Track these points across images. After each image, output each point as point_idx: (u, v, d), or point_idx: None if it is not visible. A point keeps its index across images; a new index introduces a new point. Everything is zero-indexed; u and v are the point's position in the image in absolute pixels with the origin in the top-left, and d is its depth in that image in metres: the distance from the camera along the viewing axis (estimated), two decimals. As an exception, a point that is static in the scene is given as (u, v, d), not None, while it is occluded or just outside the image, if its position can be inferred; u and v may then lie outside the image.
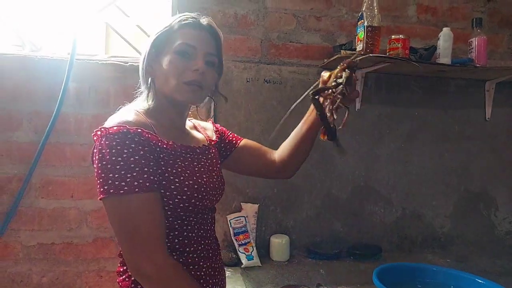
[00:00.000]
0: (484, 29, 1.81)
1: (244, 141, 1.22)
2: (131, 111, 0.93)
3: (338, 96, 0.90)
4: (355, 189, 1.91)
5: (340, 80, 0.92)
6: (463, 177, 2.01)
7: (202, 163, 1.01)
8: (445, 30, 1.76)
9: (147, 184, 0.84)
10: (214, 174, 1.04)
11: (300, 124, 1.14)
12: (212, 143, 1.12)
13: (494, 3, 2.04)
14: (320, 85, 0.96)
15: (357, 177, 1.91)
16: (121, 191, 0.81)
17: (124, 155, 0.83)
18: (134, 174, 0.83)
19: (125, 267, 0.94)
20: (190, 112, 1.12)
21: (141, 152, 0.85)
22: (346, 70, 0.93)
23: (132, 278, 0.91)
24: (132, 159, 0.84)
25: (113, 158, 0.83)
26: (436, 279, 1.38)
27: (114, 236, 0.98)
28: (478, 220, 2.03)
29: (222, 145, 1.19)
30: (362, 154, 1.91)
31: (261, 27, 1.84)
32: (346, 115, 0.92)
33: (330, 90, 0.92)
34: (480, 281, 1.29)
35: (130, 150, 0.84)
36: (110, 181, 0.82)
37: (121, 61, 1.68)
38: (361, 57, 0.94)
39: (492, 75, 1.93)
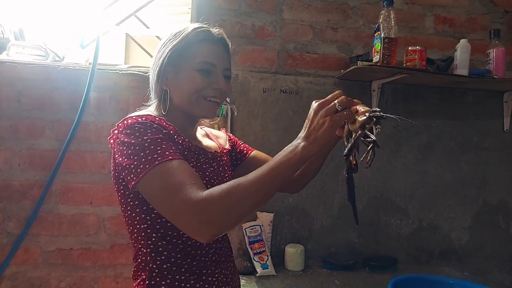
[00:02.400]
0: (502, 40, 1.80)
1: (254, 152, 1.23)
2: (147, 112, 0.97)
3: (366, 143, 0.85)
4: (371, 200, 1.90)
5: (370, 138, 0.84)
6: (481, 189, 1.99)
7: (214, 167, 1.02)
8: (463, 41, 1.75)
9: (178, 153, 0.86)
10: (225, 180, 1.04)
11: None
12: (225, 151, 1.13)
13: (512, 14, 2.03)
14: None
15: (373, 188, 1.90)
16: (156, 162, 0.82)
17: (149, 134, 0.86)
18: (164, 146, 0.85)
19: (139, 272, 0.95)
20: (209, 121, 1.14)
21: (165, 131, 0.89)
22: (376, 125, 0.84)
23: (147, 282, 0.92)
24: (156, 136, 0.86)
25: (139, 140, 0.85)
26: (453, 292, 1.36)
27: (131, 242, 0.99)
28: (497, 233, 2.00)
29: (233, 154, 1.20)
30: (378, 165, 1.90)
31: (278, 38, 1.86)
32: (371, 155, 0.85)
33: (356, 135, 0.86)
34: (499, 295, 1.27)
35: (153, 130, 0.87)
36: (143, 159, 0.82)
37: (141, 71, 1.72)
38: (393, 117, 0.85)
39: (511, 86, 1.90)
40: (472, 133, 1.98)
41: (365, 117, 0.85)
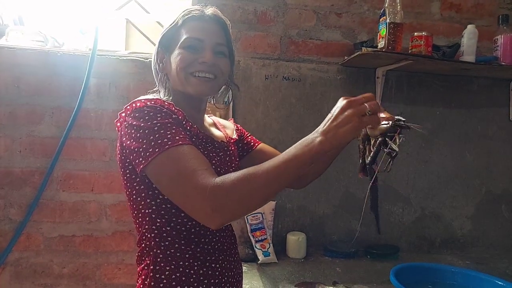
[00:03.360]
0: (510, 26, 1.76)
1: (261, 145, 1.21)
2: (156, 96, 0.95)
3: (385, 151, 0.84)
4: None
5: (392, 147, 0.82)
6: (485, 178, 1.97)
7: (220, 156, 1.01)
8: (470, 27, 1.71)
9: (187, 139, 0.85)
10: (231, 170, 1.03)
11: None
12: (232, 141, 1.12)
13: (521, -1, 1.98)
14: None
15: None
16: (166, 146, 0.81)
17: (159, 118, 0.85)
18: (173, 131, 0.84)
19: (143, 257, 0.95)
20: (208, 108, 1.12)
21: (174, 116, 0.88)
22: (400, 135, 0.83)
23: (151, 267, 0.92)
24: (166, 120, 0.85)
25: (148, 124, 0.84)
26: (454, 280, 1.36)
27: (135, 227, 0.99)
28: (500, 222, 1.99)
29: (240, 145, 1.19)
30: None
31: (280, 24, 1.82)
32: (390, 163, 0.86)
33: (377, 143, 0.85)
34: (499, 283, 1.26)
35: (163, 114, 0.86)
36: (153, 143, 0.82)
37: (141, 57, 1.70)
38: (417, 128, 0.83)
39: (518, 74, 1.87)
40: (476, 122, 1.95)
41: (387, 125, 0.82)
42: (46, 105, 1.64)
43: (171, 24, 0.99)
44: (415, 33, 1.65)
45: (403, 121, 0.82)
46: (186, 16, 0.97)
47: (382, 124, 0.82)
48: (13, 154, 1.62)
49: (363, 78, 1.85)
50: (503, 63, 1.71)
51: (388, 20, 1.57)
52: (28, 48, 1.63)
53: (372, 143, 0.86)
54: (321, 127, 0.78)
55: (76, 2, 1.81)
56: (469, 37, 1.70)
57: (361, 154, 0.90)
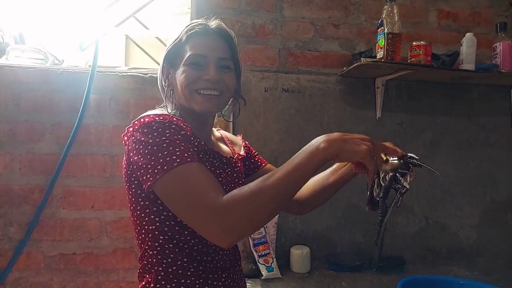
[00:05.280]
0: (508, 33, 1.77)
1: (268, 166, 1.20)
2: (164, 111, 0.95)
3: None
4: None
5: (402, 183, 0.83)
6: (489, 186, 1.95)
7: (227, 172, 1.00)
8: (468, 35, 1.72)
9: (195, 156, 0.84)
10: (238, 186, 1.01)
11: (327, 173, 1.09)
12: (239, 157, 1.11)
13: (518, 7, 1.99)
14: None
15: (378, 187, 1.86)
16: (174, 164, 0.80)
17: (167, 134, 0.84)
18: (182, 148, 0.83)
19: (145, 274, 0.93)
20: (216, 121, 1.12)
21: (182, 132, 0.87)
22: (411, 173, 0.85)
23: (152, 285, 0.90)
24: (175, 137, 0.84)
25: (157, 140, 0.83)
26: (463, 292, 1.32)
27: (137, 243, 0.97)
28: (506, 230, 1.96)
29: (247, 162, 1.17)
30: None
31: (279, 36, 1.83)
32: (399, 200, 0.86)
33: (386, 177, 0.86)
34: (510, 294, 1.24)
35: (172, 130, 0.85)
36: (161, 160, 0.81)
37: (141, 73, 1.70)
38: (430, 168, 0.84)
39: (518, 81, 1.87)
40: (478, 130, 1.95)
41: (399, 162, 0.84)
42: (46, 122, 1.64)
43: (175, 40, 0.98)
44: (414, 43, 1.66)
45: (417, 159, 0.84)
46: (190, 32, 0.97)
47: (393, 160, 0.84)
48: (13, 172, 1.61)
49: (362, 88, 1.85)
50: (503, 70, 1.71)
51: (386, 31, 1.57)
52: (28, 66, 1.63)
53: (381, 177, 0.87)
54: (330, 135, 0.79)
55: (75, 19, 1.83)
56: (468, 45, 1.71)
57: (368, 187, 0.90)
